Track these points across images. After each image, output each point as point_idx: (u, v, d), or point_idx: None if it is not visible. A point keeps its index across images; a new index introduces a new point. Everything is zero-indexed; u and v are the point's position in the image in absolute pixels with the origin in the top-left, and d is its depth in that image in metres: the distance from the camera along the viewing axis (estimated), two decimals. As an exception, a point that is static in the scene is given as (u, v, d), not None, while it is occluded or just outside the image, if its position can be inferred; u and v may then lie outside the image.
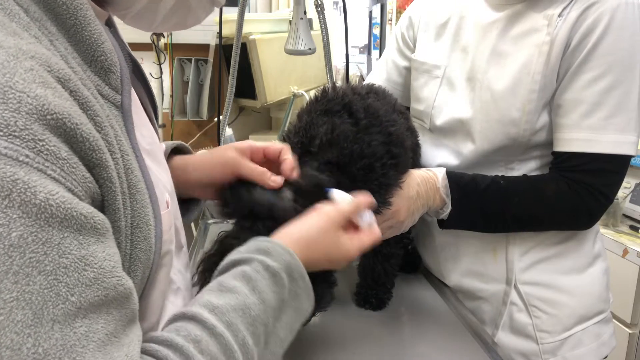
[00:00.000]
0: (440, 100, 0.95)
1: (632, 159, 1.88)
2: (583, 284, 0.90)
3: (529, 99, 0.82)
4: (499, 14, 0.87)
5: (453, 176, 0.86)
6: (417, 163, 0.94)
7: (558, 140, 0.83)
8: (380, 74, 1.11)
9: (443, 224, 0.89)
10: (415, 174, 0.86)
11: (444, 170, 0.87)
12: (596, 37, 0.78)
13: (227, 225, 0.69)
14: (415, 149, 0.94)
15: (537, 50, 0.81)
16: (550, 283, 0.90)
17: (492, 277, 0.93)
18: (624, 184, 1.87)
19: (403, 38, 1.06)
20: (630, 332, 1.62)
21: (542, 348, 0.90)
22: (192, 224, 2.47)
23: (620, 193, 1.86)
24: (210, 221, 1.39)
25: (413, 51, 1.03)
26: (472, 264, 0.95)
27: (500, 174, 0.88)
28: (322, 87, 0.85)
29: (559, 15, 0.80)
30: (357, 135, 0.74)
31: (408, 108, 1.03)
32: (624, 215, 1.82)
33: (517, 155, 0.87)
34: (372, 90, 0.85)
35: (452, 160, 0.93)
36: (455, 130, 0.92)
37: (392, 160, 0.77)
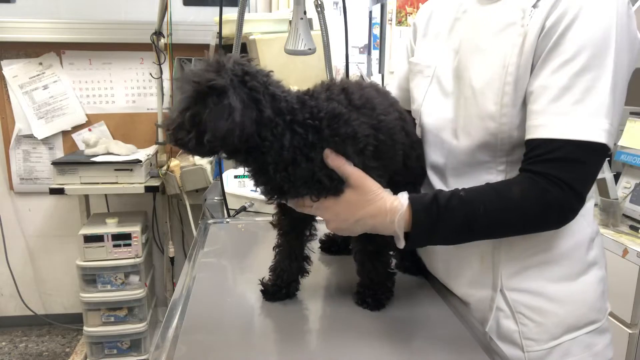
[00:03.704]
0: (429, 99, 0.96)
1: (632, 159, 1.88)
2: (574, 292, 0.88)
3: (504, 91, 0.81)
4: (483, 11, 0.88)
5: (415, 201, 0.80)
6: (408, 165, 0.95)
7: (527, 128, 0.80)
8: (394, 81, 1.15)
9: (407, 244, 0.82)
10: (378, 204, 0.80)
11: (406, 202, 0.80)
12: (568, 21, 0.76)
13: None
14: (409, 151, 0.95)
15: (511, 43, 0.81)
16: (537, 290, 0.88)
17: (478, 281, 0.92)
18: (623, 183, 1.87)
19: (410, 44, 1.08)
20: (630, 332, 1.62)
21: (528, 356, 0.88)
22: (192, 224, 2.48)
23: (620, 193, 1.86)
24: (210, 221, 1.39)
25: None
26: (460, 268, 0.94)
27: (490, 177, 0.87)
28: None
29: (533, 6, 0.79)
30: (349, 111, 0.81)
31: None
32: (624, 215, 1.82)
33: (504, 154, 0.86)
34: (374, 87, 0.91)
35: (440, 159, 0.94)
36: (442, 128, 0.93)
37: (376, 143, 0.83)
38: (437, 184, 0.96)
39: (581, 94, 0.75)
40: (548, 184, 0.76)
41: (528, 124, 0.80)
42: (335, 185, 0.80)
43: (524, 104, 0.81)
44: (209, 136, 0.71)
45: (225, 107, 0.71)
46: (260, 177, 0.82)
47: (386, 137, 0.85)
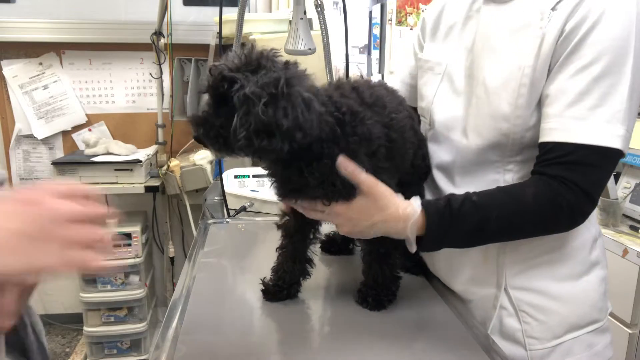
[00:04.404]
0: (440, 97, 0.96)
1: (632, 159, 1.88)
2: (576, 291, 0.88)
3: (520, 93, 0.81)
4: (497, 10, 0.88)
5: (428, 206, 0.80)
6: (414, 163, 0.95)
7: (542, 130, 0.80)
8: (397, 75, 1.15)
9: (419, 247, 0.82)
10: (391, 211, 0.80)
11: (419, 208, 0.80)
12: (588, 25, 0.76)
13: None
14: (416, 150, 0.95)
15: (528, 44, 0.81)
16: (541, 289, 0.88)
17: (482, 280, 0.92)
18: (623, 183, 1.87)
19: (418, 39, 1.08)
20: (630, 332, 1.62)
21: (530, 354, 0.88)
22: (192, 224, 2.48)
23: (620, 193, 1.86)
24: (210, 221, 1.39)
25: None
26: (461, 266, 0.95)
27: (498, 176, 0.87)
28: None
29: (552, 9, 0.79)
30: (364, 109, 0.80)
31: (416, 109, 1.04)
32: (624, 215, 1.82)
33: (514, 154, 0.86)
34: (383, 85, 0.92)
35: (448, 157, 0.94)
36: (452, 126, 0.93)
37: (389, 144, 0.82)
38: (443, 182, 0.96)
39: (598, 99, 0.75)
40: (561, 186, 0.76)
41: (543, 127, 0.80)
42: (347, 190, 0.80)
43: (538, 106, 0.81)
44: (302, 135, 0.70)
45: (305, 100, 0.71)
46: (285, 174, 0.80)
47: (398, 135, 0.85)
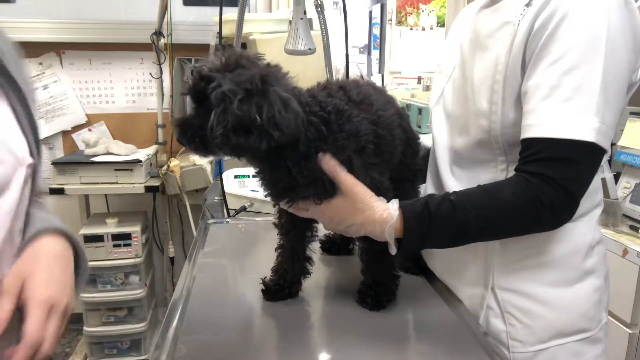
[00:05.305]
0: (444, 97, 0.99)
1: (632, 159, 1.87)
2: (566, 298, 0.86)
3: (494, 89, 0.82)
4: (489, 12, 0.90)
5: (406, 209, 0.80)
6: (403, 162, 0.96)
7: (522, 127, 0.79)
8: None
9: (399, 250, 0.82)
10: (367, 214, 0.80)
11: (396, 213, 0.80)
12: (557, 20, 0.75)
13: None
14: (405, 147, 0.95)
15: (504, 41, 0.82)
16: (528, 292, 0.87)
17: (472, 278, 0.92)
18: (623, 183, 1.87)
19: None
20: (630, 332, 1.62)
21: (513, 357, 0.87)
22: (192, 224, 2.48)
23: (620, 193, 1.86)
24: (210, 221, 1.39)
25: None
26: (456, 264, 0.95)
27: (494, 176, 0.87)
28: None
29: (527, 5, 0.79)
30: (350, 107, 0.81)
31: None
32: (624, 215, 1.82)
33: (502, 153, 0.86)
34: (371, 84, 0.93)
35: (446, 155, 0.95)
36: (449, 125, 0.95)
37: (377, 140, 0.83)
38: (447, 181, 0.95)
39: (570, 92, 0.74)
40: (541, 183, 0.75)
41: (522, 124, 0.80)
42: (333, 187, 0.80)
43: (517, 103, 0.81)
44: (279, 133, 0.70)
45: (282, 99, 0.71)
46: (273, 174, 0.80)
47: (385, 132, 0.86)
